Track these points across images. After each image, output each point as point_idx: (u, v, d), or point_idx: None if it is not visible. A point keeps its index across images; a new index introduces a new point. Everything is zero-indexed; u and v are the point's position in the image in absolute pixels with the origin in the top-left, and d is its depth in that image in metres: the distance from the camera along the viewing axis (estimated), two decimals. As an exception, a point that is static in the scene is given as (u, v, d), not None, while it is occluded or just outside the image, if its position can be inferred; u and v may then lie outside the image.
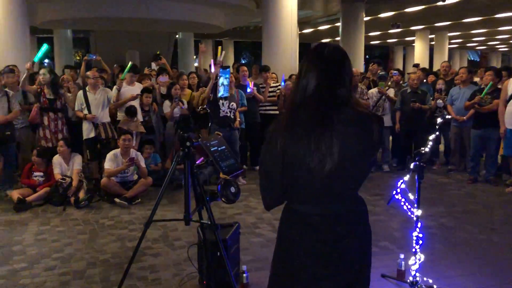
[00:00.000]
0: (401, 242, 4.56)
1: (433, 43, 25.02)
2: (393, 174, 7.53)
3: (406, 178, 3.51)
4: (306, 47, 26.97)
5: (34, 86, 6.60)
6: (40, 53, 6.26)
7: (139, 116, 6.89)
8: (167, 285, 3.73)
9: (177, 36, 19.89)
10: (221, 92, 2.75)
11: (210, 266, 3.22)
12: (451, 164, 7.86)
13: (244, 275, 3.51)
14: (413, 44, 26.04)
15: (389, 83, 8.21)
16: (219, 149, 2.60)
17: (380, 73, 8.44)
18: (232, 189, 2.54)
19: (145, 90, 7.13)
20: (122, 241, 4.67)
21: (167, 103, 7.16)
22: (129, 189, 6.06)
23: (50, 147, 6.39)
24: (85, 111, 6.50)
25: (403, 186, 3.52)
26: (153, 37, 16.10)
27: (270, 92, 7.99)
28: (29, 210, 5.69)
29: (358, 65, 13.57)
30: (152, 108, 7.21)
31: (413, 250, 3.50)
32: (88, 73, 6.99)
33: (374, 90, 7.92)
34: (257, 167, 7.27)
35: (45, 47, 6.21)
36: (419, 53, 24.64)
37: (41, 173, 6.15)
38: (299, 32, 22.59)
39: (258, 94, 7.73)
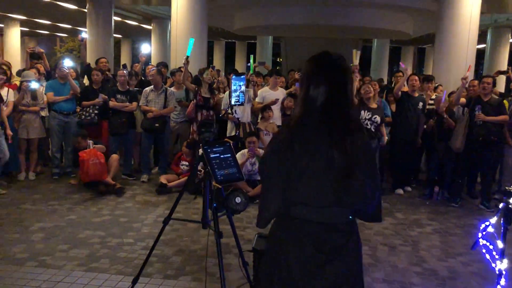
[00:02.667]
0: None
1: None
2: None
3: (493, 220, 2.81)
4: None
5: (193, 85, 7.39)
6: (189, 47, 6.92)
7: (278, 120, 7.07)
8: (227, 286, 3.79)
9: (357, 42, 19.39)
10: (234, 99, 2.66)
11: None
12: None
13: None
14: None
15: None
16: (222, 156, 2.54)
17: None
18: (238, 199, 2.46)
19: (289, 95, 7.28)
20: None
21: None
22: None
23: (198, 141, 7.08)
24: (229, 111, 6.99)
25: (490, 229, 2.84)
26: (340, 43, 16.16)
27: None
28: (167, 194, 6.42)
29: None
30: (295, 113, 7.29)
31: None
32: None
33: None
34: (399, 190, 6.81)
35: (191, 41, 6.82)
36: None
37: (187, 163, 6.86)
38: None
39: None
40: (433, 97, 7.32)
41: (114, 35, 25.97)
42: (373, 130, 6.34)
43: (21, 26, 21.54)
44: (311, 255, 1.87)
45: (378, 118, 6.33)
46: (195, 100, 7.19)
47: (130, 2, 15.70)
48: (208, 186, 2.81)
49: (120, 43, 28.71)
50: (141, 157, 7.34)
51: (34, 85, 6.57)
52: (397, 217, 5.86)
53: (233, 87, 2.66)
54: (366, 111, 6.29)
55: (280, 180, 1.88)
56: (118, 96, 7.00)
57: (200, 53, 9.31)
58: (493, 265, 2.83)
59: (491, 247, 2.88)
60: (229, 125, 7.11)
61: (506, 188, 2.68)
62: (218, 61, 28.22)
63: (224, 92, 7.72)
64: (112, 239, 4.73)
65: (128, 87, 7.18)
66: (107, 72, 8.06)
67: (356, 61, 6.81)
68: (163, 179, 6.68)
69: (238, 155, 6.43)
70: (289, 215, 1.92)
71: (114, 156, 6.73)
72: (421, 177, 7.80)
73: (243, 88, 2.67)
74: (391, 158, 7.29)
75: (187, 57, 7.10)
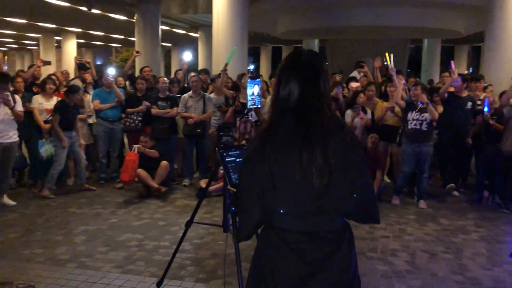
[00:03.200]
0: None
1: None
2: None
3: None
4: None
5: (231, 91, 7.46)
6: (230, 55, 7.02)
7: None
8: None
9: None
10: (250, 102, 2.61)
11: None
12: None
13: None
14: None
15: None
16: (238, 160, 2.51)
17: None
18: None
19: (329, 98, 7.21)
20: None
21: (348, 112, 7.04)
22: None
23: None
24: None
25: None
26: (387, 44, 15.78)
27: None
28: (207, 199, 6.48)
29: None
30: (334, 116, 7.20)
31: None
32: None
33: None
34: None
35: (233, 50, 6.92)
36: None
37: (226, 168, 6.91)
38: None
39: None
40: (482, 97, 7.00)
41: (165, 44, 26.79)
42: (425, 129, 6.14)
43: (77, 38, 22.66)
44: (295, 266, 1.75)
45: (426, 116, 6.10)
46: (233, 106, 7.26)
47: (178, 11, 16.10)
48: (227, 190, 2.81)
49: (171, 52, 29.54)
50: (184, 162, 7.49)
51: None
52: (441, 223, 5.62)
53: (248, 91, 2.66)
54: (413, 112, 6.12)
55: (257, 191, 1.75)
56: (159, 102, 7.17)
57: (241, 59, 9.39)
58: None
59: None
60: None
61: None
62: (265, 66, 28.40)
63: (264, 97, 7.74)
64: (149, 242, 4.85)
65: (168, 93, 7.34)
66: (151, 80, 8.29)
67: (391, 63, 6.73)
68: (203, 183, 6.76)
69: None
70: (271, 226, 1.80)
71: (164, 163, 6.82)
72: (470, 181, 7.45)
73: (258, 91, 2.66)
74: (440, 160, 7.03)
75: (226, 64, 7.20)
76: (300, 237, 1.75)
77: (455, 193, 6.86)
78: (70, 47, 22.32)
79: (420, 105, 6.09)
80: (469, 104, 6.66)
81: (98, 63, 35.68)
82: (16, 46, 30.92)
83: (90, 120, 7.56)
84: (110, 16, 15.61)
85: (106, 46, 30.37)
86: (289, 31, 14.49)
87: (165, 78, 7.43)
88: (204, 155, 7.34)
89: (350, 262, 1.80)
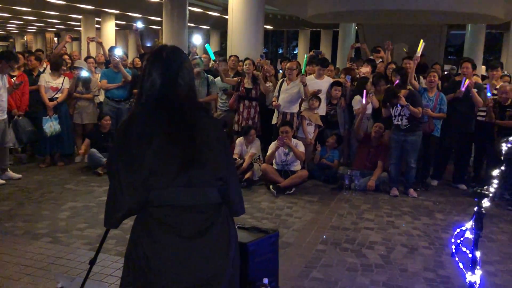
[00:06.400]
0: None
1: None
2: None
3: (469, 225, 2.43)
4: None
5: (235, 78, 7.36)
6: (210, 53, 7.35)
7: (321, 110, 6.86)
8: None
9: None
10: None
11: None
12: None
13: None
14: None
15: None
16: None
17: None
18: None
19: (335, 83, 7.00)
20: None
21: (356, 98, 6.81)
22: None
23: (238, 131, 7.06)
24: (275, 99, 6.90)
25: (469, 235, 2.46)
26: (422, 30, 15.10)
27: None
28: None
29: None
30: (340, 103, 6.98)
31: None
32: (287, 65, 7.36)
33: None
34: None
35: (207, 47, 7.30)
36: None
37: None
38: None
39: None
40: (498, 86, 6.57)
41: (203, 26, 26.83)
42: (405, 124, 5.96)
43: (116, 19, 23.09)
44: (172, 243, 1.79)
45: (406, 111, 5.92)
46: (237, 92, 7.19)
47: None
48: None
49: (210, 34, 29.59)
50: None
51: (84, 73, 6.99)
52: (435, 218, 5.36)
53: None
54: (393, 107, 5.98)
55: (128, 173, 1.83)
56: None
57: (256, 42, 9.23)
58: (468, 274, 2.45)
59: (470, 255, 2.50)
60: (275, 113, 7.04)
61: (479, 189, 2.30)
62: (303, 50, 27.97)
63: (271, 82, 7.61)
64: (129, 221, 4.88)
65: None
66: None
67: (419, 52, 6.37)
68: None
69: (271, 145, 6.33)
70: (145, 212, 1.86)
71: None
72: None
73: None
74: (441, 151, 6.71)
75: (214, 61, 7.27)
76: (175, 211, 1.81)
77: (463, 186, 6.57)
78: (109, 28, 22.77)
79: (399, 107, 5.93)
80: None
81: (148, 45, 36.40)
82: (64, 27, 31.89)
83: (101, 98, 7.70)
84: (142, -2, 15.79)
85: (150, 28, 30.72)
86: (319, 14, 14.09)
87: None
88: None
89: (229, 237, 1.87)
